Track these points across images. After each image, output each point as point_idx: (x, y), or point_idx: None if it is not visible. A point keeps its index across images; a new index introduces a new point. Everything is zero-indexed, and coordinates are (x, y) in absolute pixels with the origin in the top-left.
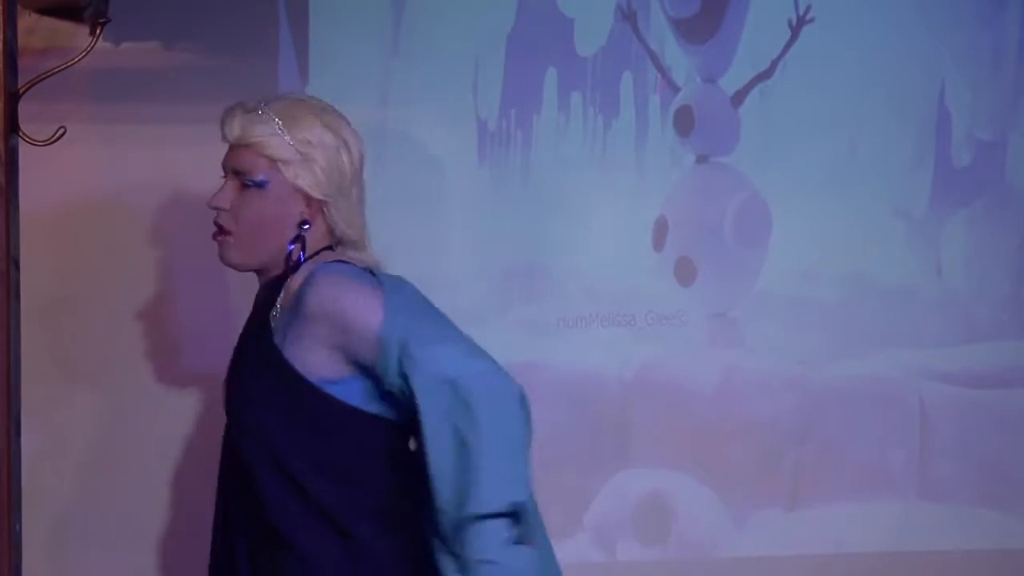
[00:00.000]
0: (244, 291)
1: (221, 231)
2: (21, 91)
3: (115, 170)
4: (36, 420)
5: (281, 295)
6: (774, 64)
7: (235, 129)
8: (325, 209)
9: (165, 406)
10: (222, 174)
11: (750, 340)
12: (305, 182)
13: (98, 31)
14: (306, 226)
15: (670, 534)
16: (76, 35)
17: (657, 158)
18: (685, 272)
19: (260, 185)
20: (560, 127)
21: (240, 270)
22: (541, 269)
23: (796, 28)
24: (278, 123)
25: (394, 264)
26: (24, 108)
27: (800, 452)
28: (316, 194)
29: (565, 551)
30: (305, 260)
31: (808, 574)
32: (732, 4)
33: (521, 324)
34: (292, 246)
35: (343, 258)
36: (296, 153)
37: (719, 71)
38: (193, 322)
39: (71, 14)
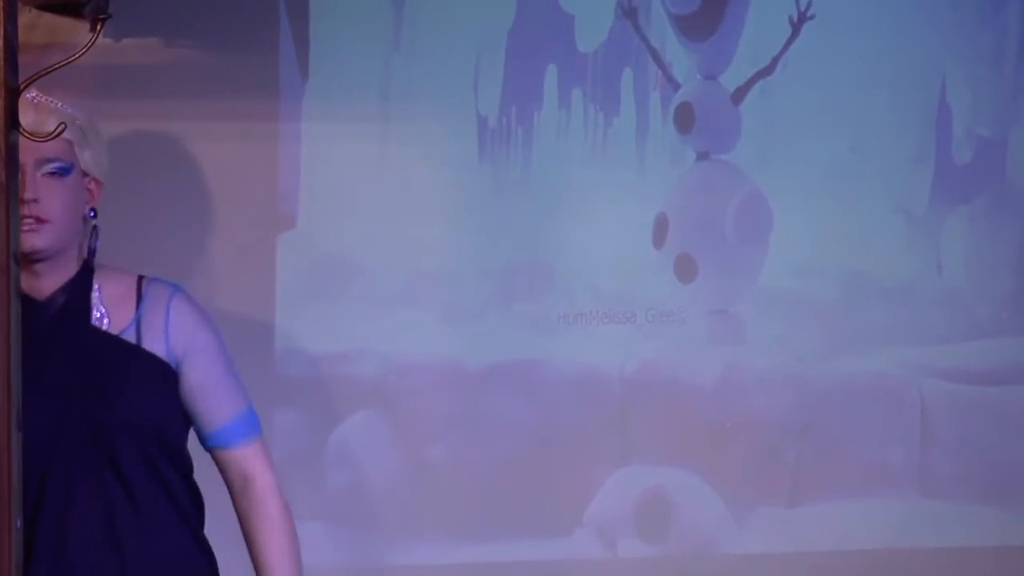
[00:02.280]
0: (237, 287)
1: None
2: (21, 87)
3: (115, 166)
4: None
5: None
6: (775, 61)
7: (44, 119)
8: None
9: None
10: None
11: (751, 337)
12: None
13: (99, 27)
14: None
15: (671, 531)
16: (77, 31)
17: (658, 155)
18: (686, 269)
19: (67, 171)
20: (561, 124)
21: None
22: (542, 266)
23: (797, 25)
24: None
25: (394, 260)
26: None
27: (801, 449)
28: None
29: (566, 548)
30: None
31: (809, 571)
32: (733, 1)
33: (522, 321)
34: None
35: None
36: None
37: (720, 68)
38: None
39: (72, 10)
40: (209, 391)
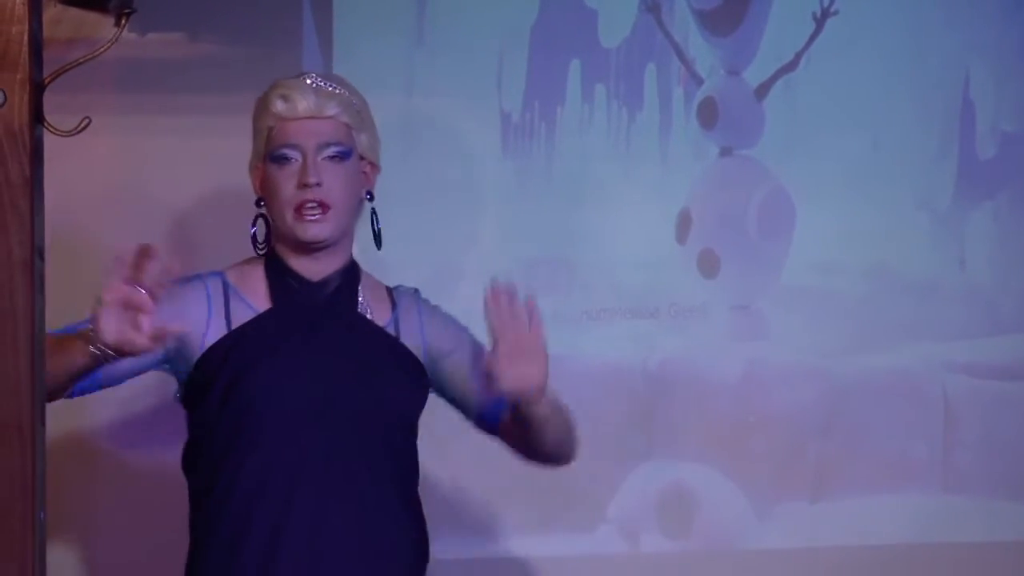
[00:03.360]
0: None
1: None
2: (46, 81)
3: (140, 160)
4: (60, 410)
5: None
6: (798, 56)
7: (324, 102)
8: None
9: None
10: (288, 152)
11: (773, 333)
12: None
13: (123, 22)
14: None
15: (694, 526)
16: (101, 26)
17: (681, 150)
18: (708, 264)
19: (347, 155)
20: (584, 119)
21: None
22: (564, 261)
23: (820, 21)
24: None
25: (416, 256)
26: (49, 98)
27: (823, 444)
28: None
29: (589, 543)
30: None
31: (831, 566)
32: None
33: (545, 316)
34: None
35: None
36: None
37: (743, 63)
38: None
39: (96, 4)
40: (477, 372)
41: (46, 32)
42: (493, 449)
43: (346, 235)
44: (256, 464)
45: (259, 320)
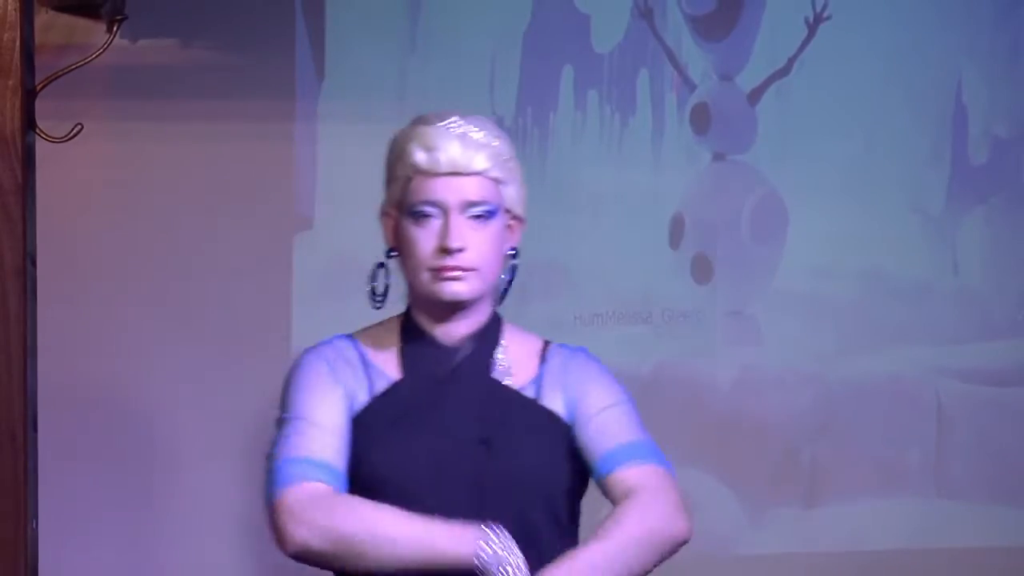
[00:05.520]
0: (253, 287)
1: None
2: (38, 88)
3: (132, 167)
4: (52, 417)
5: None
6: (791, 61)
7: (471, 156)
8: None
9: (184, 404)
10: (425, 208)
11: (767, 337)
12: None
13: (115, 28)
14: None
15: None
16: (93, 32)
17: (674, 156)
18: (702, 269)
19: (493, 214)
20: (576, 124)
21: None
22: (557, 266)
23: (813, 26)
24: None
25: None
26: (41, 105)
27: (817, 449)
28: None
29: None
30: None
31: (825, 571)
32: (749, 1)
33: (537, 321)
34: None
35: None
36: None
37: (736, 68)
38: (212, 317)
39: (88, 11)
40: (597, 425)
41: (38, 39)
42: None
43: (487, 294)
44: None
45: (389, 393)
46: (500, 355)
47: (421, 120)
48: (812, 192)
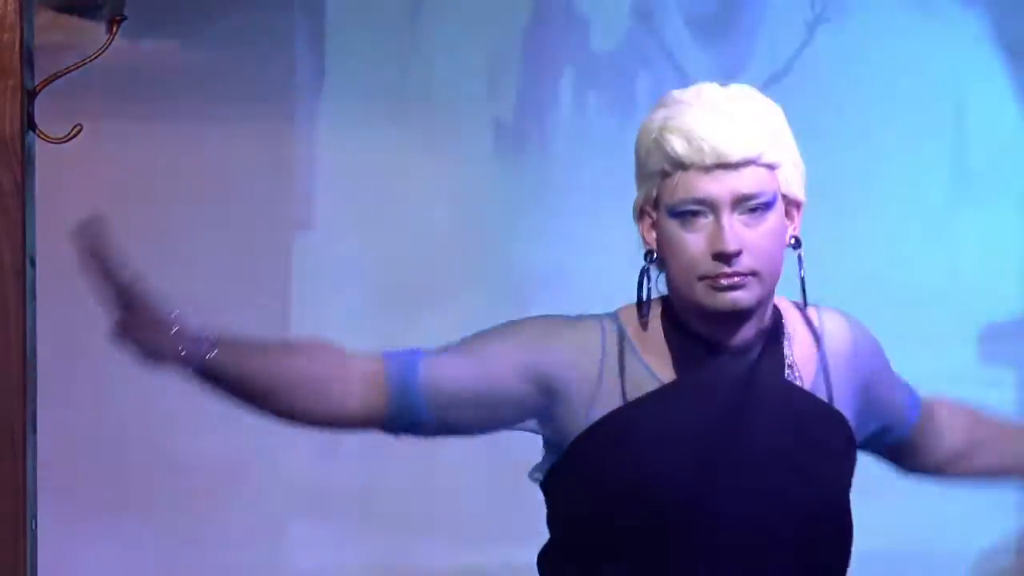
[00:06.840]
0: (253, 288)
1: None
2: (37, 88)
3: (132, 167)
4: (51, 419)
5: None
6: (790, 63)
7: (741, 142)
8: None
9: (184, 406)
10: (692, 207)
11: None
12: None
13: (115, 28)
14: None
15: None
16: (93, 32)
17: None
18: None
19: (770, 205)
20: (576, 126)
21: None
22: (556, 269)
23: (812, 27)
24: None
25: (409, 263)
26: (40, 105)
27: None
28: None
29: None
30: None
31: None
32: (748, 3)
33: None
34: None
35: None
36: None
37: (735, 70)
38: (211, 320)
39: (88, 11)
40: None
41: (37, 39)
42: (488, 454)
43: (771, 295)
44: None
45: (662, 395)
46: (787, 351)
47: (672, 100)
48: (810, 195)
